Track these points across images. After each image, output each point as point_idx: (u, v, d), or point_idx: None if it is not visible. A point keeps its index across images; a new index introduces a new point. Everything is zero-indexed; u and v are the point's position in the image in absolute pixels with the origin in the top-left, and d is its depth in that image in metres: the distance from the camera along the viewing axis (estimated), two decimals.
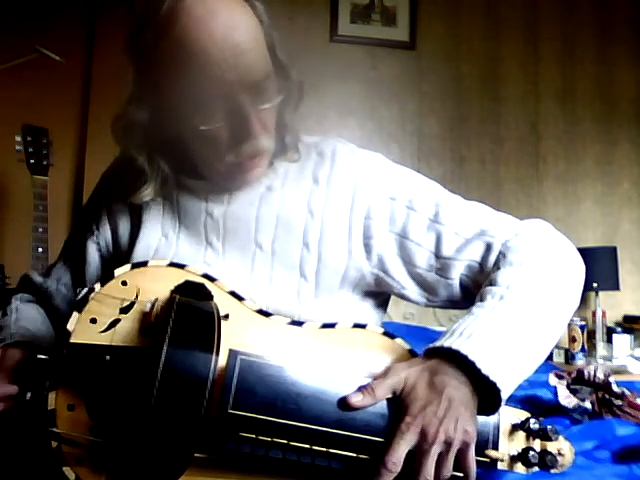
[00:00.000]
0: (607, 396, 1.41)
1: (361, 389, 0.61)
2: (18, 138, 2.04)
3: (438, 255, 0.77)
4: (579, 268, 0.78)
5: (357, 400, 0.60)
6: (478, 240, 0.76)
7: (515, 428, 0.70)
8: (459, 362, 0.61)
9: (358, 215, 0.79)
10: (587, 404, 1.41)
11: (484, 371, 0.60)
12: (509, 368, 0.63)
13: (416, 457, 0.58)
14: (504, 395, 0.61)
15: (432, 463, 0.58)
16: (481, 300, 0.69)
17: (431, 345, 0.65)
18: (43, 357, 0.65)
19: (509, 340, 0.64)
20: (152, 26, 0.70)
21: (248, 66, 0.70)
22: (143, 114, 0.75)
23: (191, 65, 0.68)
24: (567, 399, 1.42)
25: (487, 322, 0.65)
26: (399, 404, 0.61)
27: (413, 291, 0.80)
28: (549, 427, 0.69)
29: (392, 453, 0.58)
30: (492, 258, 0.75)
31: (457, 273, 0.76)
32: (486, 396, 0.62)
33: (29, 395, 0.66)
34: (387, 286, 0.81)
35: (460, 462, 0.60)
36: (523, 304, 0.68)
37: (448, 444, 0.59)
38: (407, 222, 0.78)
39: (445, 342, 0.63)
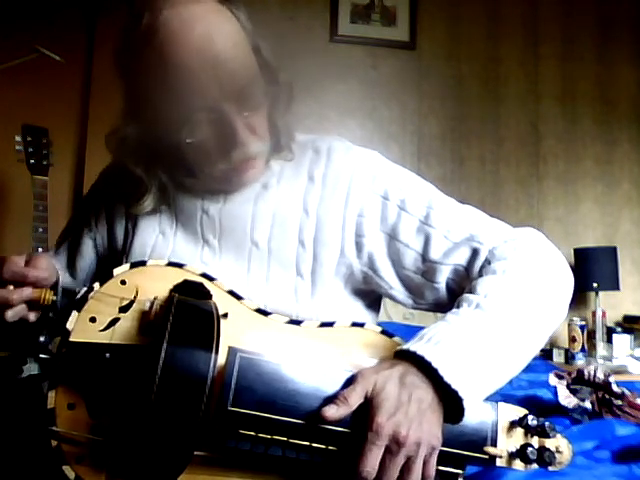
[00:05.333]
0: (607, 396, 1.42)
1: (333, 400, 0.59)
2: (18, 138, 2.03)
3: (425, 258, 0.76)
4: (566, 281, 0.75)
5: (332, 413, 0.58)
6: (466, 245, 0.75)
7: (513, 425, 0.70)
8: (424, 368, 0.61)
9: (351, 212, 0.79)
10: (587, 404, 1.41)
11: (446, 379, 0.59)
12: (474, 378, 0.61)
13: (383, 459, 0.57)
14: (467, 404, 0.60)
15: (398, 467, 0.57)
16: (457, 307, 0.68)
17: (398, 347, 0.64)
18: (44, 356, 0.65)
19: (477, 350, 0.63)
20: (134, 41, 0.70)
21: (230, 75, 0.69)
22: (134, 128, 0.75)
23: (172, 79, 0.68)
24: (567, 399, 1.42)
25: (457, 330, 0.64)
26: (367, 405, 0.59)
27: (400, 292, 0.80)
28: (547, 424, 0.69)
29: (366, 461, 0.56)
30: (478, 264, 0.74)
31: (443, 277, 0.76)
32: (450, 404, 0.61)
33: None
34: (376, 285, 0.80)
35: (422, 467, 0.59)
36: (498, 314, 0.66)
37: (417, 447, 0.57)
38: (398, 222, 0.78)
39: (412, 346, 0.62)
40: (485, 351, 0.64)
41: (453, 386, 0.59)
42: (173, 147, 0.75)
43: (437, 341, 0.62)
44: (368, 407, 0.59)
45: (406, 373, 0.61)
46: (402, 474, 0.58)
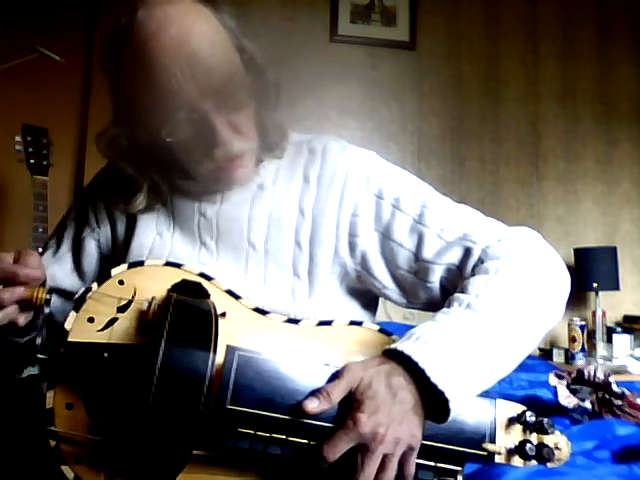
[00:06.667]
0: (607, 396, 1.41)
1: (316, 394, 0.59)
2: (18, 138, 2.04)
3: (418, 257, 0.76)
4: (561, 281, 0.74)
5: (313, 406, 0.58)
6: (459, 244, 0.75)
7: (512, 421, 0.70)
8: (411, 368, 0.60)
9: (346, 212, 0.78)
10: (587, 404, 1.41)
11: (433, 379, 0.59)
12: (461, 379, 0.61)
13: (360, 456, 0.57)
14: (453, 405, 0.59)
15: (375, 464, 0.57)
16: (448, 306, 0.68)
17: (387, 346, 0.64)
18: (42, 357, 0.65)
19: (466, 350, 0.62)
20: (114, 42, 0.71)
21: (207, 73, 0.69)
22: (122, 128, 0.76)
23: (149, 79, 0.68)
24: (567, 399, 1.42)
25: (446, 330, 0.63)
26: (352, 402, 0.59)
27: (393, 291, 0.79)
28: (545, 420, 0.69)
29: (333, 445, 0.57)
30: (471, 263, 0.73)
31: (437, 276, 0.75)
32: (436, 404, 0.60)
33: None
34: (370, 284, 0.80)
35: (400, 466, 0.59)
36: (489, 315, 0.65)
37: (395, 445, 0.58)
38: (391, 221, 0.77)
39: (400, 345, 0.62)
40: (474, 352, 0.63)
41: (439, 387, 0.59)
42: (159, 147, 0.75)
43: (425, 341, 0.62)
44: (352, 402, 0.59)
45: (392, 372, 0.60)
46: (378, 472, 0.58)
